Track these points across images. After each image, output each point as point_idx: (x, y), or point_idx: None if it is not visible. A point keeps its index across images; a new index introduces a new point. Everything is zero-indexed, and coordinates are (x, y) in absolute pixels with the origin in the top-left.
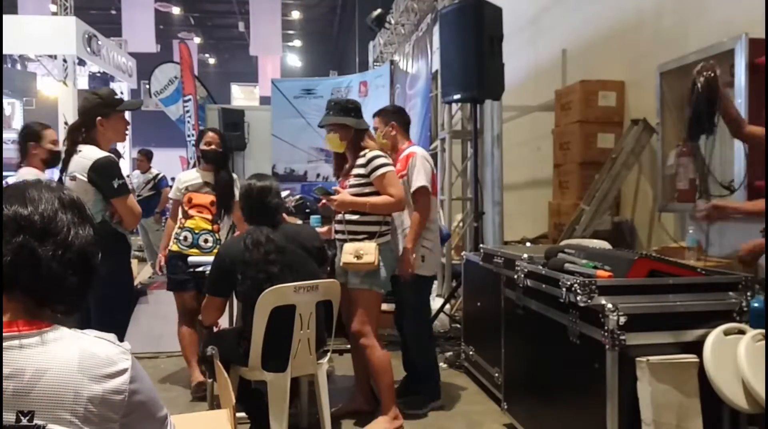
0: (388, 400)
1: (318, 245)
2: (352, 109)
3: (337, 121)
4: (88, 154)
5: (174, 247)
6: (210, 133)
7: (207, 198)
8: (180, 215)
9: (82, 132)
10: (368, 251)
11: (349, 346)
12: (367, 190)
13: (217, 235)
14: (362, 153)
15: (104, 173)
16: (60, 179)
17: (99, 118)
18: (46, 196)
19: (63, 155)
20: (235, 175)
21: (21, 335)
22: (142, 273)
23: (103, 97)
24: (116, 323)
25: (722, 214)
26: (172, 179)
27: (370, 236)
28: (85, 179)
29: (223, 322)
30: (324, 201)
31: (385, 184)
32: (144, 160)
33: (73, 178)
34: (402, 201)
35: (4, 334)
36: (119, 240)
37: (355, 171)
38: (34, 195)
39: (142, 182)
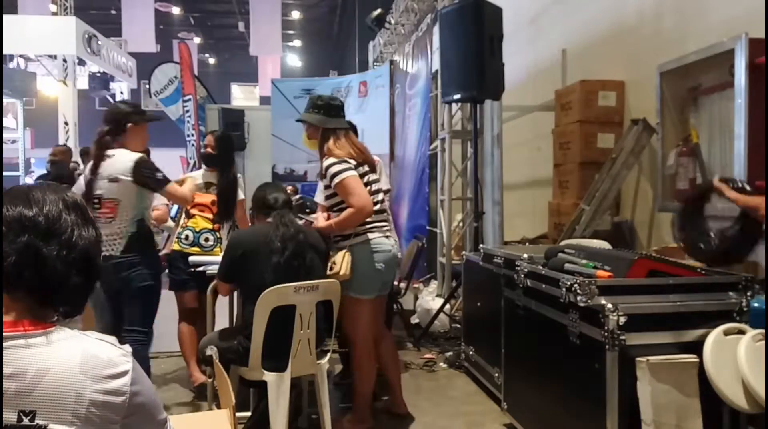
0: (359, 404)
1: (325, 250)
2: (321, 105)
3: (302, 117)
4: (123, 157)
5: (175, 246)
6: (209, 136)
7: (208, 197)
8: (183, 215)
9: (111, 139)
10: (338, 262)
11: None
12: (336, 200)
13: (218, 233)
14: (324, 160)
15: (148, 168)
16: (92, 181)
17: (130, 124)
18: (51, 197)
19: (93, 160)
20: (240, 175)
21: (27, 334)
22: None
23: (134, 107)
24: (153, 312)
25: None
26: None
27: (345, 238)
28: (130, 179)
29: (224, 322)
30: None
31: (345, 194)
32: None
33: (116, 180)
34: (365, 207)
35: (10, 333)
36: (152, 236)
37: (324, 181)
38: (39, 196)
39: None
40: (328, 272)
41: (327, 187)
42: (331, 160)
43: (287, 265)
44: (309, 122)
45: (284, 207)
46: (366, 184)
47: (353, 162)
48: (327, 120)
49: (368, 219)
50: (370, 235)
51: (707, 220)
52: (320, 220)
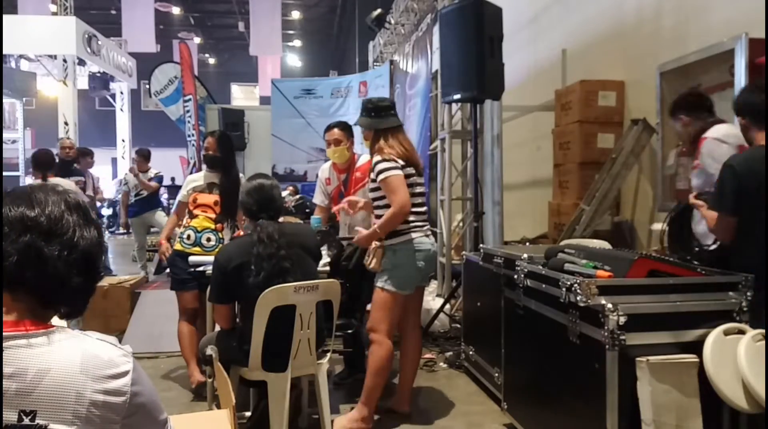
0: (366, 399)
1: (315, 244)
2: (371, 108)
3: (357, 122)
4: None
5: (177, 246)
6: (208, 138)
7: (211, 198)
8: (186, 216)
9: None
10: (370, 255)
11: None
12: (378, 194)
13: (220, 234)
14: (374, 157)
15: None
16: None
17: None
18: (53, 198)
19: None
20: (241, 175)
21: (28, 334)
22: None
23: None
24: None
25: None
26: (172, 179)
27: (388, 237)
28: None
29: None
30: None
31: (387, 191)
32: (142, 160)
33: None
34: (403, 206)
35: (11, 333)
36: None
37: (371, 175)
38: (41, 197)
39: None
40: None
41: (373, 181)
42: (380, 157)
43: (263, 286)
44: (362, 126)
45: (270, 212)
46: (409, 185)
47: (401, 162)
48: (377, 122)
49: (411, 218)
50: (413, 235)
51: (692, 235)
52: (363, 232)
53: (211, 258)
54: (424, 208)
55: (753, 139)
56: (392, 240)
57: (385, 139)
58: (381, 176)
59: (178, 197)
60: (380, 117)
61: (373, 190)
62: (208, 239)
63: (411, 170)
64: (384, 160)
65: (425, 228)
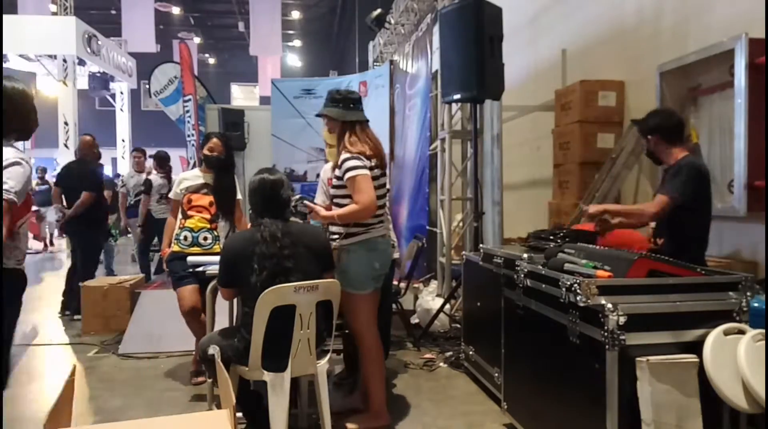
0: (374, 400)
1: (322, 245)
2: (340, 99)
3: (323, 111)
4: None
5: (175, 248)
6: (214, 139)
7: (206, 199)
8: (180, 216)
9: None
10: None
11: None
12: (342, 192)
13: (215, 232)
14: (342, 152)
15: None
16: None
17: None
18: None
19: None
20: (235, 176)
21: None
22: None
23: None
24: None
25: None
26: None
27: (343, 237)
28: None
29: (224, 322)
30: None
31: (354, 190)
32: (142, 157)
33: None
34: (368, 207)
35: None
36: None
37: (336, 172)
38: None
39: (141, 183)
40: None
41: (338, 178)
42: (350, 154)
43: (266, 284)
44: (329, 116)
45: (273, 211)
46: (375, 187)
47: (370, 162)
48: (346, 113)
49: (369, 220)
50: (367, 236)
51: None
52: (321, 210)
53: (209, 258)
54: (383, 211)
55: (664, 154)
56: (346, 241)
57: (354, 133)
58: (349, 174)
59: (172, 196)
60: (349, 109)
61: (337, 186)
62: (205, 238)
63: (377, 172)
64: (352, 157)
65: (381, 228)
